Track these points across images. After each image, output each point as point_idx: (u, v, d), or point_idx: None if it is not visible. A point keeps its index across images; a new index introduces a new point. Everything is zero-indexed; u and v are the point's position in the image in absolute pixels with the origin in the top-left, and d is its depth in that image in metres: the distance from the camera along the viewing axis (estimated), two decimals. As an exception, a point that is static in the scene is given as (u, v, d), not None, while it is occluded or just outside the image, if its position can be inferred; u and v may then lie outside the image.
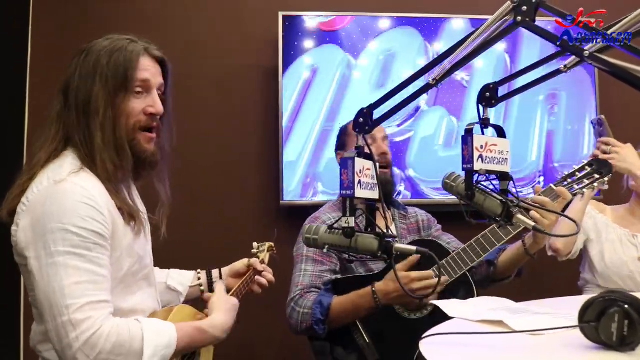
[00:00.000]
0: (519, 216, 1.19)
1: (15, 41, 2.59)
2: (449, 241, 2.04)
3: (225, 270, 1.62)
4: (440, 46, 2.71)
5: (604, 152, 1.94)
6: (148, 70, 1.26)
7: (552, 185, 1.78)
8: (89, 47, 1.26)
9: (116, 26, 2.62)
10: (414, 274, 1.73)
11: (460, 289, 1.82)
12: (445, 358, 0.85)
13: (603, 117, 2.02)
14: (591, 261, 2.10)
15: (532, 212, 1.67)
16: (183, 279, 1.56)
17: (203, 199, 2.70)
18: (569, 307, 1.18)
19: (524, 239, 1.81)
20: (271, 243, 1.79)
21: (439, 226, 2.13)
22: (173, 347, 1.15)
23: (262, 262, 1.66)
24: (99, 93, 1.20)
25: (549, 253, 2.10)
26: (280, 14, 2.64)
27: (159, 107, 1.27)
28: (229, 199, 2.72)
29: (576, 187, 1.76)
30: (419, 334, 1.74)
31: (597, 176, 1.75)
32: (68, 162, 1.19)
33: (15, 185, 1.20)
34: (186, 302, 1.54)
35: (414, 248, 1.18)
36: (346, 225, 1.18)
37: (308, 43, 2.68)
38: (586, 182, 1.76)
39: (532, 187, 2.65)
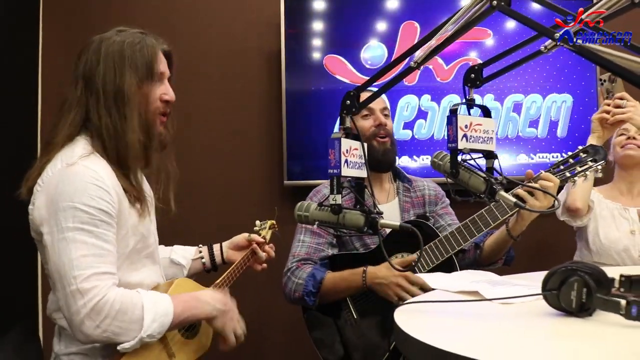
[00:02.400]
0: (501, 193, 1.23)
1: (26, 31, 2.67)
2: (450, 222, 2.05)
3: (226, 243, 1.72)
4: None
5: (618, 107, 1.94)
6: (163, 62, 1.40)
7: (542, 171, 1.76)
8: (101, 38, 1.36)
9: (124, 12, 2.72)
10: (410, 274, 1.78)
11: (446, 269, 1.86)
12: (414, 323, 0.91)
13: None
14: (586, 239, 2.13)
15: (521, 192, 1.71)
16: (186, 253, 1.65)
17: (208, 182, 2.77)
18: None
19: (508, 222, 1.83)
20: (273, 221, 1.85)
21: (447, 201, 2.12)
22: (170, 314, 1.25)
23: (264, 238, 1.73)
24: (130, 80, 1.32)
25: (562, 217, 2.13)
26: (282, -2, 2.68)
27: (172, 95, 1.41)
28: (233, 180, 2.79)
29: (568, 174, 1.74)
30: None
31: (590, 163, 1.72)
32: (80, 147, 1.29)
33: (34, 167, 1.32)
34: (190, 276, 1.63)
35: (397, 224, 1.23)
36: (334, 202, 1.24)
37: (309, 25, 2.71)
38: (579, 169, 1.73)
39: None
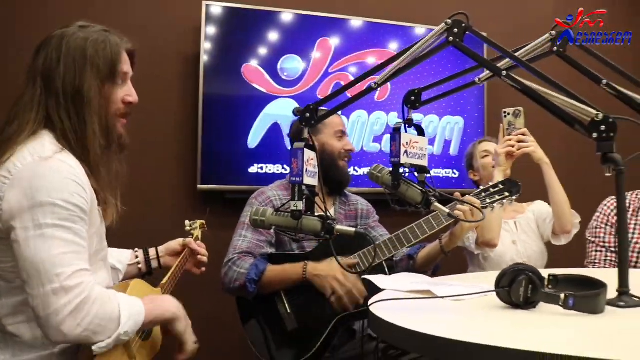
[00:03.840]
0: (436, 204, 1.40)
1: None
2: (382, 233, 2.21)
3: (161, 248, 1.70)
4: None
5: (521, 141, 2.16)
6: (127, 63, 1.37)
7: (468, 196, 1.99)
8: (63, 34, 1.31)
9: (43, 14, 2.55)
10: (347, 274, 1.91)
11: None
12: (397, 317, 1.03)
13: (522, 108, 2.16)
14: (476, 257, 2.34)
15: (460, 207, 1.92)
16: (121, 257, 1.62)
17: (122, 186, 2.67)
18: (471, 280, 1.44)
19: (441, 237, 2.03)
20: (202, 221, 1.88)
21: (377, 217, 2.29)
22: (142, 314, 1.24)
23: (197, 238, 1.75)
24: (91, 82, 1.28)
25: (477, 251, 2.28)
26: (204, 3, 2.69)
27: (135, 97, 1.40)
28: (147, 184, 2.71)
29: (488, 200, 1.97)
30: (333, 309, 1.93)
31: (507, 194, 1.97)
32: (48, 142, 1.24)
33: None
34: (124, 279, 1.60)
35: (352, 229, 1.35)
36: (295, 208, 1.32)
37: (229, 33, 2.75)
38: (497, 197, 1.97)
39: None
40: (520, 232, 2.39)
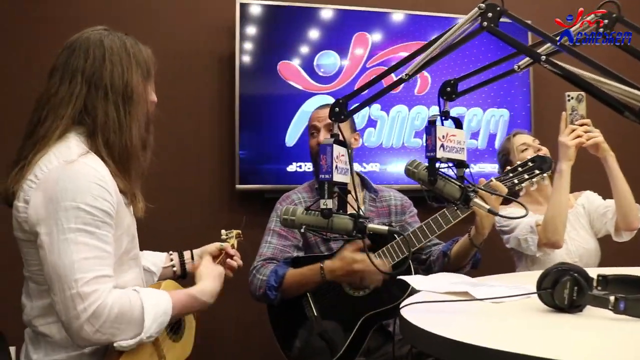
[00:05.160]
0: (476, 200, 1.33)
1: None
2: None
3: (197, 252, 1.69)
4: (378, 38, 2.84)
5: (586, 131, 1.97)
6: (155, 65, 1.42)
7: (492, 178, 1.89)
8: (101, 34, 1.34)
9: (69, 14, 2.60)
10: (358, 255, 1.86)
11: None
12: (428, 321, 0.96)
13: (584, 93, 1.96)
14: (524, 257, 2.19)
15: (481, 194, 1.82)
16: (156, 260, 1.62)
17: (159, 185, 2.68)
18: (515, 281, 1.35)
19: (470, 231, 1.93)
20: (239, 230, 1.85)
21: (414, 211, 2.21)
22: (169, 313, 1.24)
23: (232, 246, 1.73)
24: (137, 78, 1.33)
25: (538, 254, 2.08)
26: (238, 2, 2.68)
27: (156, 99, 1.44)
28: (185, 185, 2.74)
29: (516, 181, 1.85)
30: (360, 309, 1.90)
31: (537, 172, 1.84)
32: (74, 144, 1.25)
33: (23, 164, 1.24)
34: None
35: (385, 228, 1.29)
36: (325, 206, 1.28)
37: (264, 31, 2.73)
38: (526, 177, 1.85)
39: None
40: (570, 228, 2.18)
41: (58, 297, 1.14)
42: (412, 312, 1.06)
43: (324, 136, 2.10)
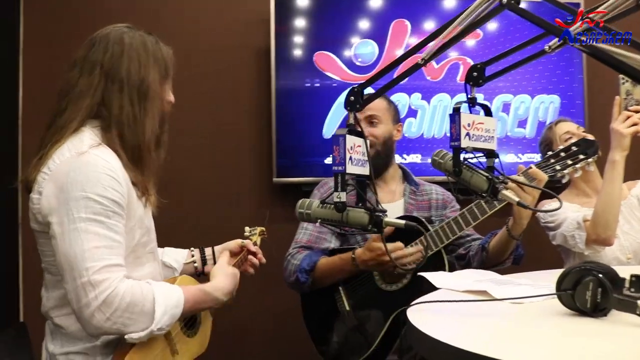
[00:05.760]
0: (504, 192, 1.23)
1: (6, 26, 2.60)
2: None
3: (218, 248, 1.68)
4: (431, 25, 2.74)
5: None
6: (174, 65, 1.42)
7: (532, 165, 1.75)
8: (122, 30, 1.35)
9: (108, 7, 2.66)
10: (389, 246, 1.79)
11: (431, 267, 1.84)
12: (430, 324, 0.90)
13: None
14: (572, 253, 2.01)
15: (509, 185, 1.70)
16: (177, 256, 1.62)
17: (196, 179, 2.72)
18: (549, 279, 1.24)
19: (508, 221, 1.81)
20: (262, 228, 1.83)
21: (457, 207, 2.10)
22: (181, 307, 1.23)
23: (255, 244, 1.71)
24: (154, 75, 1.34)
25: (587, 252, 1.91)
26: (272, -6, 2.65)
27: (173, 99, 1.44)
28: (222, 178, 2.75)
29: (558, 167, 1.71)
30: (392, 304, 1.84)
31: (582, 157, 1.70)
32: (87, 137, 1.27)
33: (44, 149, 1.28)
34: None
35: (402, 222, 1.22)
36: (338, 199, 1.22)
37: (299, 22, 2.69)
38: (570, 162, 1.70)
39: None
40: (622, 221, 1.98)
41: (70, 285, 1.15)
42: (418, 312, 0.99)
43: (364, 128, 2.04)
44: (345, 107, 1.28)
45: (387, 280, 1.91)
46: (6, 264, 2.45)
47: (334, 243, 2.01)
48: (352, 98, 1.28)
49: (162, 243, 1.62)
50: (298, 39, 2.69)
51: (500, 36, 2.74)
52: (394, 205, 2.07)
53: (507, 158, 2.77)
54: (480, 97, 2.72)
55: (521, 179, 1.73)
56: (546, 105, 2.81)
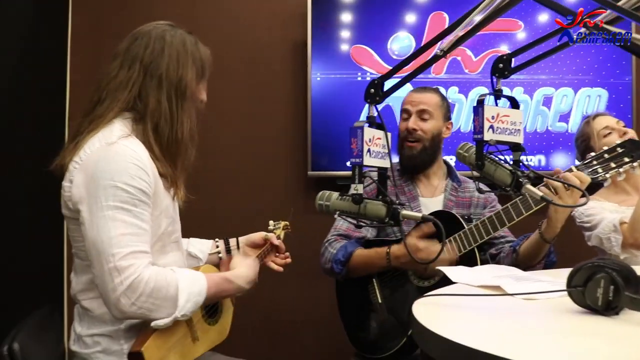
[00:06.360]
0: (528, 186, 1.20)
1: (55, 24, 2.71)
2: None
3: (242, 239, 1.71)
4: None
5: None
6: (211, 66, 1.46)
7: (572, 167, 1.64)
8: (164, 28, 1.39)
9: (149, 4, 2.74)
10: (422, 243, 1.78)
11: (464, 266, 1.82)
12: (433, 317, 0.89)
13: None
14: (608, 256, 1.89)
15: (552, 183, 1.62)
16: (202, 247, 1.65)
17: (232, 171, 2.78)
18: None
19: (541, 224, 1.74)
20: (286, 222, 1.84)
21: (497, 207, 2.01)
22: (204, 294, 1.27)
23: (278, 237, 1.72)
24: (192, 74, 1.38)
25: (623, 256, 1.84)
26: (309, -12, 2.66)
27: (205, 98, 1.47)
28: (257, 171, 2.79)
29: (600, 171, 1.61)
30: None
31: (627, 159, 1.58)
32: (117, 128, 1.31)
33: (75, 140, 1.33)
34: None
35: (419, 215, 1.21)
36: (355, 192, 1.23)
37: (336, 15, 2.69)
38: (613, 165, 1.59)
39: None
40: None
41: (97, 270, 1.20)
42: (423, 305, 0.98)
43: (414, 122, 2.02)
44: (365, 99, 1.28)
45: (421, 276, 1.90)
46: (54, 249, 2.58)
47: (370, 232, 2.01)
48: (372, 90, 1.28)
49: (195, 233, 1.67)
50: (335, 33, 2.70)
51: (544, 27, 2.65)
52: (433, 201, 2.05)
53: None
54: (519, 91, 2.68)
55: (581, 174, 1.63)
56: (592, 98, 2.70)
